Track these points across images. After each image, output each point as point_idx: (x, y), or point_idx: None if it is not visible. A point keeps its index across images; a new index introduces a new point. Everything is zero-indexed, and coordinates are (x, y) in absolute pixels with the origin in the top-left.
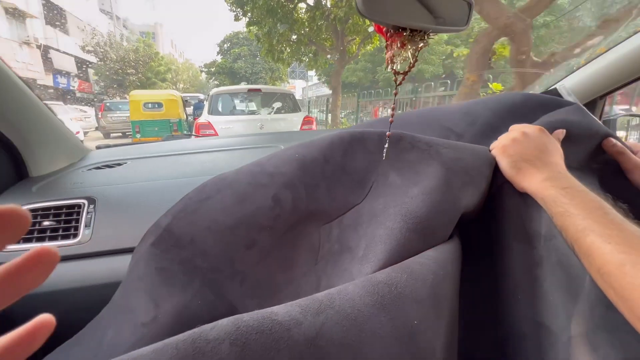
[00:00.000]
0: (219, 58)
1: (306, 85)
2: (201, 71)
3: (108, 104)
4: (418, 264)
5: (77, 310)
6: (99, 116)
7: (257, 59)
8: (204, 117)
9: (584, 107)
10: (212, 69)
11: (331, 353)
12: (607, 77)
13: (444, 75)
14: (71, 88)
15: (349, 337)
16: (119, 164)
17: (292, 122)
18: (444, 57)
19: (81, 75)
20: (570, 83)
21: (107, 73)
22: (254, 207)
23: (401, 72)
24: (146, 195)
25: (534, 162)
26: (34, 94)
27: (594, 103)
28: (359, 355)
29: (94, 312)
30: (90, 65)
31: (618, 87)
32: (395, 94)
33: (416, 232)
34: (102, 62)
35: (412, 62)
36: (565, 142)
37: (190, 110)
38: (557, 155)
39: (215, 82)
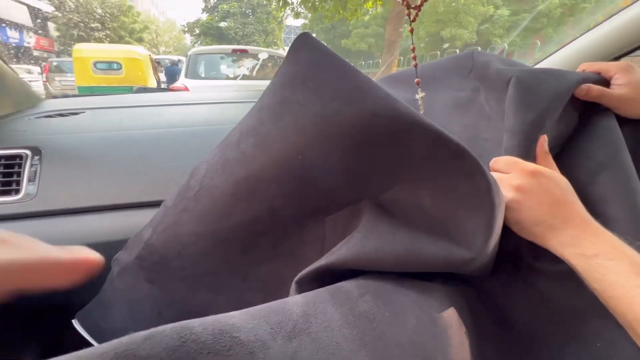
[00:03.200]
0: (204, 16)
1: None
2: (184, 31)
3: (55, 64)
4: (400, 303)
5: None
6: (44, 79)
7: (250, 18)
8: (181, 81)
9: (526, 71)
10: (197, 29)
11: None
12: (623, 36)
13: (475, 43)
14: (25, 44)
15: None
16: (75, 114)
17: None
18: (480, 20)
19: (38, 30)
20: (581, 44)
21: (65, 26)
22: (246, 218)
23: (413, 6)
24: (107, 147)
25: (549, 222)
26: None
27: None
28: None
29: None
30: (50, 18)
31: (635, 49)
32: (411, 31)
33: (401, 264)
34: (57, 11)
35: None
36: (547, 130)
37: (162, 76)
38: (569, 197)
39: (202, 46)
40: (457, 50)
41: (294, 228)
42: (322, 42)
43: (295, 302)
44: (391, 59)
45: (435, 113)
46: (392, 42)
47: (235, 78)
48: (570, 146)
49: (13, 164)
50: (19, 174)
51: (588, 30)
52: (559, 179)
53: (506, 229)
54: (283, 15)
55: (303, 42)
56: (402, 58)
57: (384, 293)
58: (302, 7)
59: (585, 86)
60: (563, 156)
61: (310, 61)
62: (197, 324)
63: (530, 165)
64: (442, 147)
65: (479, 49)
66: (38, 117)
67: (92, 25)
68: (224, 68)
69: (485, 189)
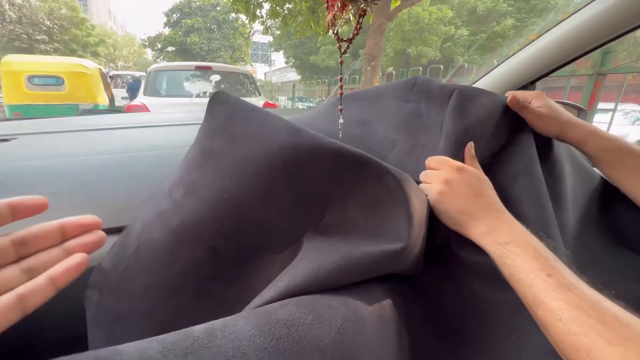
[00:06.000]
0: (166, 31)
1: (269, 69)
2: (144, 46)
3: None
4: (327, 306)
5: None
6: None
7: (215, 33)
8: (139, 99)
9: (467, 86)
10: (159, 44)
11: None
12: (535, 63)
13: (439, 60)
14: None
15: None
16: (5, 140)
17: None
18: (443, 39)
19: None
20: (502, 70)
21: (5, 38)
22: (190, 263)
23: (345, 39)
24: (38, 177)
25: (470, 212)
26: None
27: (524, 89)
28: None
29: None
30: None
31: (546, 74)
32: (341, 63)
33: (340, 275)
34: None
35: (355, 27)
36: (479, 140)
37: (122, 92)
38: (488, 191)
39: (164, 61)
40: (420, 68)
41: (242, 271)
42: (291, 57)
43: (198, 326)
44: (372, 74)
45: (383, 121)
46: (372, 57)
47: (199, 96)
48: (497, 157)
49: None
50: None
51: (507, 59)
52: (479, 175)
53: (433, 227)
54: (250, 31)
55: (218, 99)
56: (381, 74)
57: (308, 300)
58: (272, 21)
59: (516, 96)
60: (491, 165)
61: (224, 114)
62: (90, 353)
63: (456, 163)
64: (347, 160)
65: (441, 67)
66: None
67: (38, 37)
68: (187, 85)
69: (395, 186)
